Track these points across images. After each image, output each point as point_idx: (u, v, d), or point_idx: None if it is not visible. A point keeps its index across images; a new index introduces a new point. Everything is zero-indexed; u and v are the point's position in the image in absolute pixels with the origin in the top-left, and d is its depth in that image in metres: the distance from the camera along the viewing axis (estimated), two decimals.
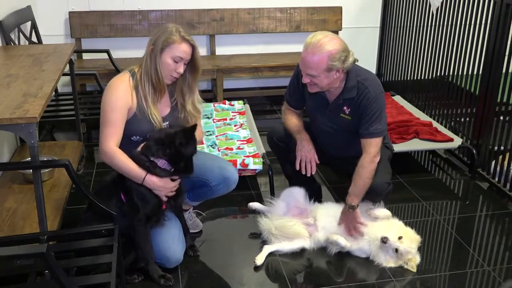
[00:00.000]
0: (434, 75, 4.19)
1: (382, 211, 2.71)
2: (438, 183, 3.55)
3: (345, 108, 2.66)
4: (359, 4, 5.03)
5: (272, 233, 2.72)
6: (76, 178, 2.17)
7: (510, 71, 3.29)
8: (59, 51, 3.10)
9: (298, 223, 2.73)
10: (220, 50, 4.88)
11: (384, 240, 2.56)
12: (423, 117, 4.03)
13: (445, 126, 3.94)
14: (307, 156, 2.70)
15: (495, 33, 3.34)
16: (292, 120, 2.85)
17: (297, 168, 2.73)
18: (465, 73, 3.75)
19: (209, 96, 4.85)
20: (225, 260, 2.66)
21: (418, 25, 4.37)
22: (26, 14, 3.92)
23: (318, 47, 2.46)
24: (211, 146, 3.45)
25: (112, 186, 2.39)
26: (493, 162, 3.46)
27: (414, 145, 3.60)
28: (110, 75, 3.35)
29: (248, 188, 3.36)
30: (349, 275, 2.58)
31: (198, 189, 2.67)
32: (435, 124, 3.89)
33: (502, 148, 3.38)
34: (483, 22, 3.50)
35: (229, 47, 4.90)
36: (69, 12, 4.49)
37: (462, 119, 3.83)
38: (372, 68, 5.17)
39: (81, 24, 4.51)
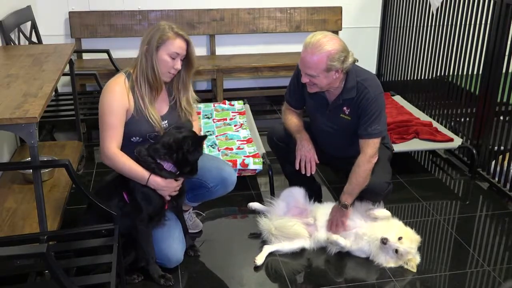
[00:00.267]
0: (434, 75, 4.19)
1: (381, 212, 2.71)
2: (438, 183, 3.55)
3: (345, 108, 2.67)
4: (359, 4, 5.03)
5: (272, 233, 2.72)
6: (76, 178, 2.17)
7: (510, 71, 3.29)
8: (59, 51, 3.10)
9: (298, 223, 2.73)
10: (220, 50, 4.88)
11: (384, 241, 2.56)
12: (423, 117, 4.03)
13: (445, 126, 3.94)
14: (306, 155, 2.70)
15: (495, 33, 3.33)
16: (292, 120, 2.85)
17: (297, 167, 2.73)
18: (465, 73, 3.75)
19: (209, 96, 4.86)
20: (225, 260, 2.66)
21: (418, 25, 4.37)
22: (26, 14, 3.92)
23: (318, 47, 2.46)
24: (211, 146, 3.45)
25: (113, 186, 2.39)
26: (493, 162, 3.46)
27: (414, 145, 3.60)
28: (110, 75, 3.34)
29: (248, 188, 3.36)
30: (349, 275, 2.58)
31: (196, 190, 2.67)
32: (435, 124, 3.89)
33: (502, 148, 3.38)
34: (483, 22, 3.50)
35: (229, 47, 4.90)
36: (69, 12, 4.49)
37: (462, 119, 3.83)
38: (372, 68, 5.17)
39: (81, 24, 4.51)
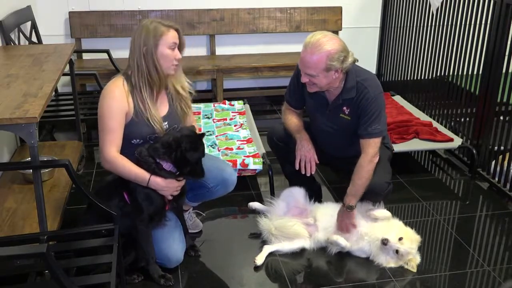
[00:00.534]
0: (434, 75, 4.19)
1: (381, 212, 2.71)
2: (438, 183, 3.55)
3: (344, 108, 2.67)
4: (359, 4, 5.03)
5: (272, 233, 2.72)
6: (76, 178, 2.17)
7: (510, 71, 3.29)
8: (59, 51, 3.10)
9: (298, 223, 2.73)
10: (220, 50, 4.88)
11: (384, 242, 2.56)
12: (423, 117, 4.03)
13: (445, 126, 3.94)
14: (306, 155, 2.70)
15: (495, 33, 3.33)
16: (292, 120, 2.85)
17: (297, 167, 2.73)
18: (465, 73, 3.75)
19: (209, 96, 4.86)
20: (225, 260, 2.66)
21: (418, 25, 4.37)
22: (26, 14, 3.92)
23: (317, 47, 2.46)
24: (211, 146, 3.45)
25: (113, 186, 2.39)
26: (493, 162, 3.46)
27: (414, 145, 3.60)
28: (110, 75, 3.34)
29: (248, 188, 3.36)
30: (349, 275, 2.58)
31: (196, 190, 2.67)
32: (435, 124, 3.89)
33: (502, 148, 3.38)
34: (483, 22, 3.50)
35: (229, 47, 4.90)
36: (69, 12, 4.49)
37: (462, 119, 3.83)
38: (372, 68, 5.17)
39: (81, 24, 4.51)
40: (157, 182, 2.33)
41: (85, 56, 4.62)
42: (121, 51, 4.37)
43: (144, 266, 2.43)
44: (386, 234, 2.58)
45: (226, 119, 3.90)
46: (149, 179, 2.31)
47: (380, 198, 2.75)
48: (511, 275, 2.59)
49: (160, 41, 2.34)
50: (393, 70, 4.92)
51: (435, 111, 4.15)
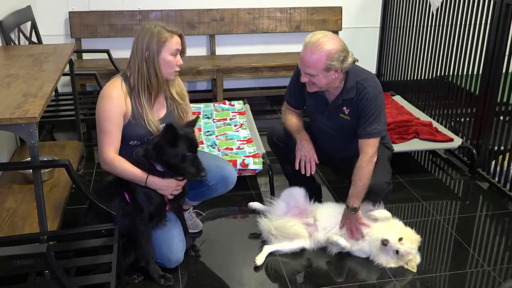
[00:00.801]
0: (434, 75, 4.19)
1: (381, 213, 2.71)
2: (438, 183, 3.55)
3: (344, 108, 2.67)
4: (359, 4, 5.03)
5: (272, 233, 2.72)
6: (76, 178, 2.17)
7: (510, 71, 3.29)
8: (59, 51, 3.10)
9: (298, 223, 2.73)
10: (220, 50, 4.88)
11: (384, 243, 2.56)
12: (423, 117, 4.03)
13: (445, 126, 3.94)
14: (306, 155, 2.70)
15: (495, 33, 3.33)
16: (292, 120, 2.85)
17: (297, 167, 2.73)
18: (465, 73, 3.75)
19: (209, 96, 4.86)
20: (225, 260, 2.66)
21: (418, 25, 4.37)
22: (26, 14, 3.92)
23: (317, 46, 2.46)
24: (211, 146, 3.45)
25: (113, 186, 2.39)
26: (493, 162, 3.46)
27: (414, 145, 3.60)
28: (110, 75, 3.34)
29: (248, 188, 3.36)
30: (349, 275, 2.58)
31: (197, 189, 2.67)
32: (435, 124, 3.89)
33: (502, 148, 3.38)
34: (483, 22, 3.50)
35: (229, 47, 4.90)
36: (69, 12, 4.49)
37: (462, 119, 3.83)
38: (372, 68, 5.17)
39: (81, 24, 4.51)
40: (155, 182, 2.33)
41: (85, 56, 4.62)
42: (121, 51, 4.39)
43: (144, 266, 2.43)
44: (386, 235, 2.58)
45: (226, 119, 3.90)
46: (146, 179, 2.31)
47: (380, 198, 2.74)
48: (511, 275, 2.59)
49: (164, 47, 2.34)
50: (393, 70, 4.92)
51: (435, 111, 4.15)
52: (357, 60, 2.59)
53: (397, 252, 2.56)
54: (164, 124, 2.46)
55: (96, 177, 3.47)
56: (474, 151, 3.56)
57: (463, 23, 3.74)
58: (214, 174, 2.61)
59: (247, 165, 3.18)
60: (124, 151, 2.40)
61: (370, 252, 2.64)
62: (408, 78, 4.60)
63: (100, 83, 3.91)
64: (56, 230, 2.43)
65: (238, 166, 3.15)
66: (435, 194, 3.37)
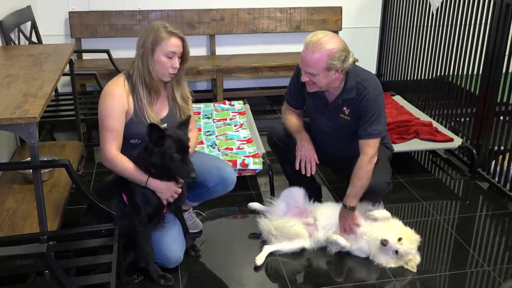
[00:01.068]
0: (434, 75, 4.19)
1: (381, 213, 2.71)
2: (438, 183, 3.55)
3: (344, 108, 2.66)
4: (359, 4, 5.03)
5: (272, 233, 2.72)
6: (76, 178, 2.17)
7: (510, 71, 3.29)
8: (59, 51, 3.10)
9: (297, 223, 2.73)
10: (220, 50, 4.88)
11: (384, 243, 2.56)
12: (423, 117, 4.03)
13: (445, 126, 3.94)
14: (307, 156, 2.70)
15: (495, 33, 3.33)
16: (292, 120, 2.85)
17: (297, 168, 2.73)
18: (465, 73, 3.75)
19: (209, 96, 4.86)
20: (225, 260, 2.66)
21: (418, 25, 4.37)
22: (26, 14, 3.92)
23: (318, 46, 2.46)
24: (211, 146, 3.45)
25: (113, 187, 2.39)
26: (493, 162, 3.46)
27: (414, 145, 3.60)
28: (110, 75, 3.35)
29: (248, 188, 3.36)
30: (349, 275, 2.58)
31: (196, 190, 2.67)
32: (435, 124, 3.89)
33: (502, 148, 3.38)
34: (483, 22, 3.50)
35: (229, 47, 4.90)
36: (69, 12, 4.49)
37: (462, 119, 3.83)
38: (372, 68, 5.17)
39: (81, 24, 4.51)
40: (156, 183, 2.32)
41: (85, 56, 4.62)
42: (121, 51, 4.39)
43: (144, 267, 2.43)
44: (385, 235, 2.58)
45: (226, 119, 3.90)
46: (147, 180, 2.31)
47: (380, 198, 2.75)
48: (511, 275, 2.59)
49: (158, 46, 2.34)
50: (393, 70, 4.92)
51: (435, 111, 4.15)
52: (357, 60, 2.59)
53: (396, 252, 2.56)
54: (165, 125, 2.47)
55: (96, 177, 3.47)
56: (474, 151, 3.56)
57: (463, 23, 3.74)
58: (213, 175, 2.60)
59: (247, 165, 3.18)
60: (125, 149, 2.40)
61: (370, 252, 2.64)
62: (408, 78, 4.60)
63: (100, 83, 3.91)
64: (56, 230, 2.43)
65: (238, 166, 3.15)
66: (435, 194, 3.37)
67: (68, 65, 3.05)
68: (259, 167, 3.20)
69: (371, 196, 2.68)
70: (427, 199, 3.27)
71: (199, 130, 3.66)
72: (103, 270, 2.02)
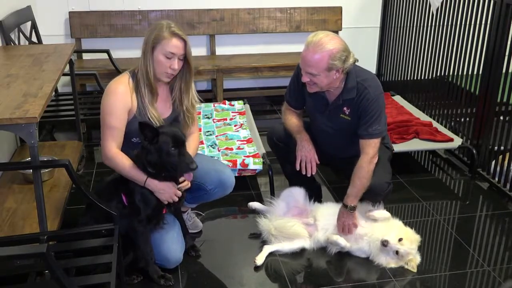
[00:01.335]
0: (434, 75, 4.19)
1: (381, 213, 2.71)
2: (438, 183, 3.55)
3: (345, 108, 2.66)
4: (359, 4, 5.03)
5: (272, 233, 2.72)
6: (76, 178, 2.16)
7: (510, 71, 3.29)
8: (59, 51, 3.10)
9: (297, 224, 2.73)
10: (220, 50, 4.88)
11: (384, 244, 2.56)
12: (423, 117, 4.03)
13: (445, 126, 3.94)
14: (307, 156, 2.70)
15: (495, 33, 3.33)
16: (292, 120, 2.85)
17: (297, 168, 2.73)
18: (465, 73, 3.75)
19: (209, 96, 4.86)
20: (225, 260, 2.66)
21: (418, 25, 4.37)
22: (26, 14, 3.92)
23: (319, 46, 2.46)
24: (211, 146, 3.45)
25: (112, 187, 2.39)
26: (493, 162, 3.46)
27: (414, 145, 3.60)
28: (110, 75, 3.36)
29: (248, 188, 3.36)
30: (349, 275, 2.58)
31: (194, 192, 2.66)
32: (435, 124, 3.89)
33: (502, 148, 3.38)
34: (483, 22, 3.50)
35: (229, 47, 4.90)
36: (69, 12, 4.49)
37: (462, 119, 3.83)
38: (372, 68, 5.17)
39: (81, 24, 4.51)
40: (154, 183, 2.32)
41: (85, 56, 4.62)
42: (121, 51, 4.40)
43: (144, 267, 2.43)
44: (385, 235, 2.58)
45: (226, 119, 3.90)
46: (146, 180, 2.31)
47: (380, 198, 2.74)
48: (511, 275, 2.59)
49: (158, 45, 2.33)
50: (393, 70, 4.92)
51: (435, 111, 4.15)
52: (357, 60, 2.59)
53: (397, 252, 2.56)
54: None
55: (96, 177, 3.47)
56: (474, 151, 3.56)
57: (463, 23, 3.74)
58: (212, 178, 2.60)
59: (247, 165, 3.18)
60: (126, 148, 2.39)
61: (370, 252, 2.63)
62: (408, 78, 4.60)
63: (100, 83, 3.92)
64: (56, 230, 2.43)
65: (238, 166, 3.15)
66: (435, 194, 3.37)
67: (68, 65, 3.05)
68: (259, 167, 3.20)
69: (371, 196, 2.68)
70: (427, 199, 3.27)
71: (199, 130, 3.66)
72: (103, 270, 2.02)
